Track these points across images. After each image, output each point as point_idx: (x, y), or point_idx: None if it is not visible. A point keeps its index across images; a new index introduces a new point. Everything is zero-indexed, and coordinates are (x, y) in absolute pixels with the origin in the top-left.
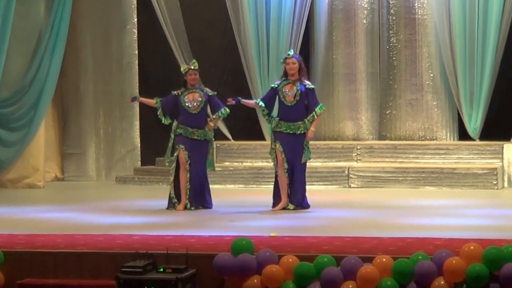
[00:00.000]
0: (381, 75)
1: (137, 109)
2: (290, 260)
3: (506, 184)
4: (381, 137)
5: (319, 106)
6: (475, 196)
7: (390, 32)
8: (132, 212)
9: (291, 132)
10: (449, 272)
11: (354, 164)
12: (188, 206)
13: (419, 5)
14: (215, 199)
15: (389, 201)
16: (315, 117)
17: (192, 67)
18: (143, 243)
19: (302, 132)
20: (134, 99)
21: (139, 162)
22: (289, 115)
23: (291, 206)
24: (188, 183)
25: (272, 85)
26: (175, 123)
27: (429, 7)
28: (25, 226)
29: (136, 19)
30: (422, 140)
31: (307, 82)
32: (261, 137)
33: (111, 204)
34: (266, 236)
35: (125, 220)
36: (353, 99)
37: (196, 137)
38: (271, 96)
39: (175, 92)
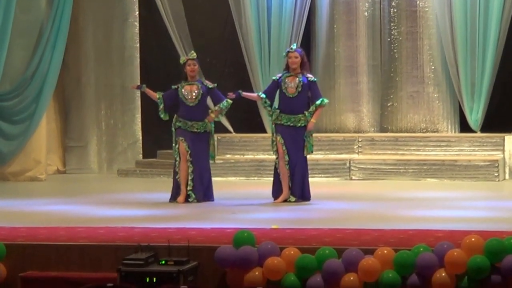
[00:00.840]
0: (383, 68)
1: (139, 102)
2: (292, 252)
3: (507, 176)
4: (382, 130)
5: (321, 99)
6: (476, 188)
7: (392, 24)
8: (133, 205)
9: (291, 124)
10: (451, 264)
11: (355, 156)
12: (192, 198)
13: None
14: (216, 192)
15: (391, 193)
16: (315, 109)
17: (191, 57)
18: (144, 236)
19: (303, 125)
20: (139, 87)
21: (141, 155)
22: (290, 107)
23: (292, 198)
24: (191, 175)
25: (274, 78)
26: (175, 117)
27: None
28: (27, 218)
29: (137, 12)
30: (423, 132)
31: (310, 75)
32: (262, 130)
33: (112, 197)
34: (267, 228)
35: (126, 213)
36: (355, 91)
37: (195, 130)
38: (272, 89)
39: (175, 86)
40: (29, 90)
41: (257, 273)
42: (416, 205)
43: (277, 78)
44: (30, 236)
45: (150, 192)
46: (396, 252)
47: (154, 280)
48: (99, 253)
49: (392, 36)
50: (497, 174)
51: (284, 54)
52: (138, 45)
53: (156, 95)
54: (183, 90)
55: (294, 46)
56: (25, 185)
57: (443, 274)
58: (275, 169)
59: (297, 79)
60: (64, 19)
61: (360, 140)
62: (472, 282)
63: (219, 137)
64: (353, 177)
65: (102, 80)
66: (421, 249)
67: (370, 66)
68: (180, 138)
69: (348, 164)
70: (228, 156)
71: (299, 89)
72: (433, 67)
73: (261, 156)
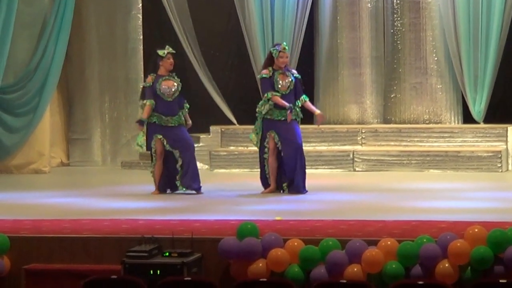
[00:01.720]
0: (386, 59)
1: None
2: (295, 243)
3: (510, 167)
4: (385, 121)
5: (304, 96)
6: (480, 179)
7: (395, 15)
8: (137, 197)
9: (282, 118)
10: (454, 254)
11: (358, 147)
12: (180, 188)
13: None
14: (220, 184)
15: (394, 185)
16: (300, 104)
17: (171, 51)
18: (148, 228)
19: (293, 118)
20: (141, 123)
21: (145, 147)
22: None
23: (291, 191)
24: (180, 170)
25: (264, 76)
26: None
27: None
28: (30, 211)
29: (140, 4)
30: (426, 124)
31: (294, 71)
32: None
33: (116, 189)
34: (271, 220)
35: (130, 205)
36: (358, 83)
37: (171, 124)
38: (272, 87)
39: (149, 83)
40: (32, 82)
41: (260, 264)
42: (419, 196)
43: (267, 76)
44: (34, 228)
45: (153, 184)
46: (400, 243)
47: (158, 272)
48: (103, 245)
49: (395, 28)
50: (500, 165)
51: (274, 51)
52: (141, 37)
53: (149, 104)
54: (161, 85)
55: (286, 46)
56: (29, 177)
57: (447, 265)
58: (262, 164)
59: (288, 78)
60: (68, 12)
61: (363, 131)
62: (475, 273)
63: (222, 129)
64: (357, 169)
65: (105, 73)
66: (425, 240)
67: (373, 57)
68: (158, 136)
69: (351, 156)
70: (231, 148)
71: (291, 87)
72: (436, 58)
73: None
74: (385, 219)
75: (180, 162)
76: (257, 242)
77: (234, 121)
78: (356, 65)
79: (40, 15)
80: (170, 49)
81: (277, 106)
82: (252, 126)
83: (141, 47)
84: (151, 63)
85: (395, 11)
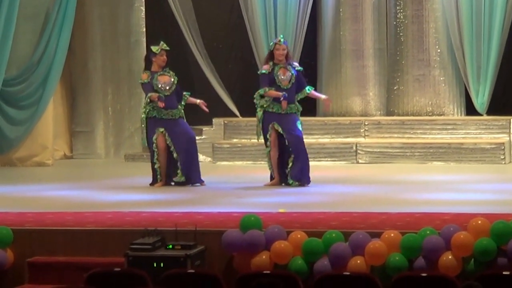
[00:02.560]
0: (389, 51)
1: None
2: (299, 236)
3: None
4: (388, 113)
5: (308, 87)
6: (483, 171)
7: (397, 7)
8: (140, 189)
9: (283, 112)
10: (457, 246)
11: (361, 140)
12: (182, 179)
13: None
14: (223, 176)
15: (397, 177)
16: (303, 96)
17: (165, 48)
18: (152, 220)
19: (294, 111)
20: (160, 98)
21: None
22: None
23: (295, 183)
24: (180, 163)
25: (264, 71)
26: (146, 105)
27: None
28: (34, 204)
29: None
30: (429, 116)
31: (296, 64)
32: None
33: (119, 182)
34: (274, 212)
35: (134, 197)
36: (361, 75)
37: (170, 117)
38: (269, 84)
39: (145, 80)
40: (35, 75)
41: (264, 257)
42: (422, 188)
43: (266, 71)
44: (37, 221)
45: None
46: (403, 235)
47: (161, 265)
48: (107, 238)
49: (398, 20)
50: (503, 157)
51: (271, 44)
52: (144, 29)
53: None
54: (157, 81)
55: (282, 39)
56: (32, 170)
57: (450, 257)
58: (269, 157)
59: (289, 72)
60: (70, 4)
61: (366, 123)
62: (478, 265)
63: (225, 121)
64: (360, 161)
65: (108, 65)
66: (428, 232)
67: (376, 49)
68: (160, 129)
69: (354, 148)
70: (235, 140)
71: (292, 81)
72: (439, 50)
73: None
74: (388, 211)
75: (180, 154)
76: (260, 235)
77: (237, 113)
78: (359, 57)
79: (43, 7)
80: (164, 45)
81: (276, 99)
82: (255, 118)
83: (144, 39)
84: (144, 59)
85: (398, 3)
